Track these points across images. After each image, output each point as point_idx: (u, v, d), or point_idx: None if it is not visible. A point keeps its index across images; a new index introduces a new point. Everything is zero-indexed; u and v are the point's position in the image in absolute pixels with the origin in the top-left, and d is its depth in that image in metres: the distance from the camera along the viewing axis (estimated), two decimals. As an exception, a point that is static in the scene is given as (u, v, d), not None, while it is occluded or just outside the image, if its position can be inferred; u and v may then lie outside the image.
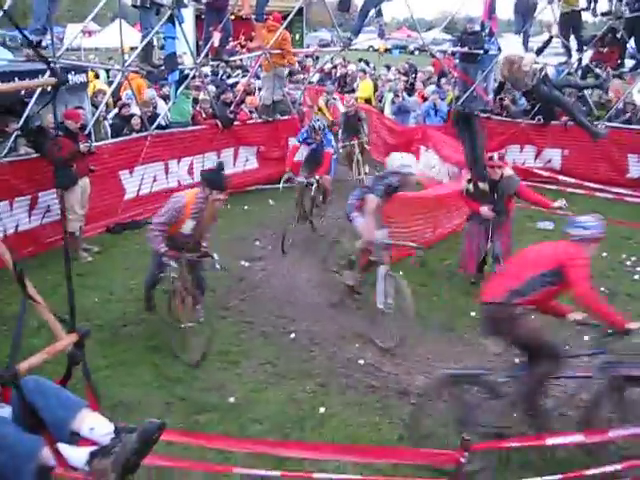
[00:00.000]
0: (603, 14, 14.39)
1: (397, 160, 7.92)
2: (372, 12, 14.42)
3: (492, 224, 8.60)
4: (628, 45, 14.37)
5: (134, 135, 11.83)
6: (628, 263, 9.90)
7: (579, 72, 15.10)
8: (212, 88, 15.30)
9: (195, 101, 13.57)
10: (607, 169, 13.62)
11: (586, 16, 14.95)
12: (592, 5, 14.13)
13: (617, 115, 14.11)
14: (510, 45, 14.03)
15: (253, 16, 13.31)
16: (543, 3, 14.66)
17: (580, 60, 15.11)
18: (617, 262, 9.87)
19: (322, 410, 6.18)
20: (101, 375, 6.51)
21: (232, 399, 6.32)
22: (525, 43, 15.28)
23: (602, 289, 7.51)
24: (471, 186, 8.81)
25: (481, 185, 8.68)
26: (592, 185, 13.04)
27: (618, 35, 14.28)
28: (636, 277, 9.38)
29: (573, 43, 14.84)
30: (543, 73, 11.34)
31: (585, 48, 14.74)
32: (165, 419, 5.74)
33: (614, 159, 13.63)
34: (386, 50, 24.52)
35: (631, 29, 14.09)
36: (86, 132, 10.59)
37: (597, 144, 13.04)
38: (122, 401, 6.11)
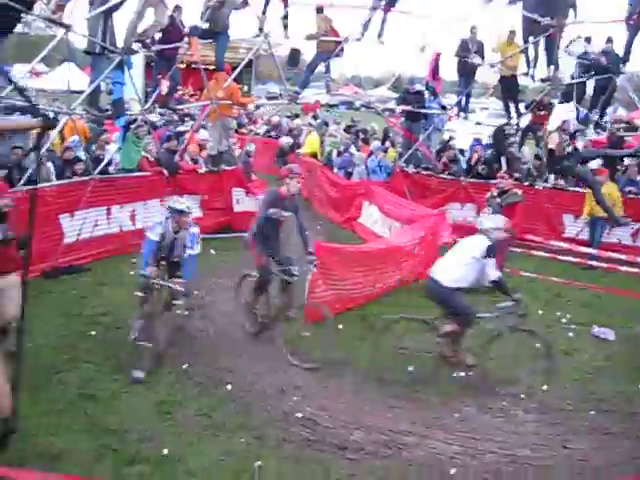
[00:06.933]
0: (543, 80, 14.99)
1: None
2: (320, 68, 14.75)
3: None
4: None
5: (77, 179, 11.70)
6: (563, 320, 10.09)
7: (519, 133, 15.60)
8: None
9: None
10: (544, 228, 13.98)
11: (527, 81, 15.56)
12: (531, 71, 14.73)
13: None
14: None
15: (212, 67, 13.50)
16: (484, 67, 15.18)
17: (518, 123, 15.66)
18: (552, 319, 10.07)
19: (258, 463, 6.07)
20: (31, 423, 6.30)
21: (166, 451, 6.16)
22: (466, 104, 15.80)
23: (537, 345, 7.70)
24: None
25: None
26: (531, 243, 13.24)
27: (553, 100, 14.93)
28: (571, 334, 9.57)
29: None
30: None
31: (525, 112, 15.28)
32: (94, 470, 5.65)
33: (551, 218, 14.03)
34: (332, 106, 24.99)
35: (569, 95, 14.74)
36: (27, 174, 10.42)
37: (535, 204, 13.49)
38: (49, 450, 5.92)
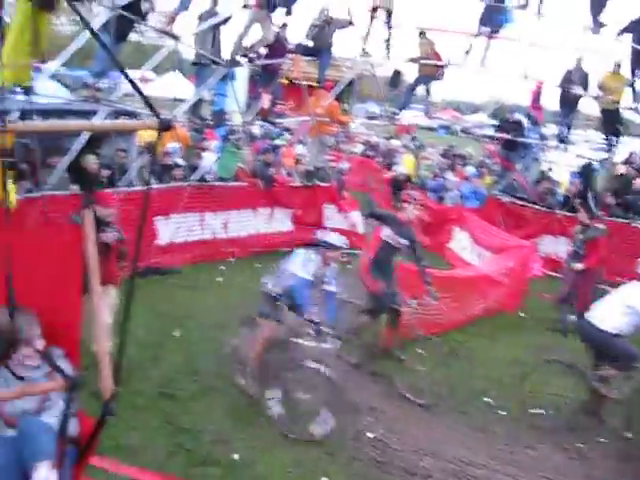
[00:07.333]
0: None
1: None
2: (422, 90, 14.76)
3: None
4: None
5: (174, 183, 12.07)
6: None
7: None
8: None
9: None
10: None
11: (632, 115, 15.06)
12: (637, 105, 14.25)
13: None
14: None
15: (313, 83, 13.74)
16: (587, 98, 14.81)
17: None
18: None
19: (325, 479, 6.10)
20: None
21: (236, 456, 6.26)
22: (566, 134, 15.44)
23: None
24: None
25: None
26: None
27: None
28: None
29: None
30: None
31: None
32: (166, 467, 5.79)
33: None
34: (431, 129, 24.94)
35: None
36: (127, 175, 10.85)
37: (629, 242, 12.98)
38: (126, 444, 6.10)
